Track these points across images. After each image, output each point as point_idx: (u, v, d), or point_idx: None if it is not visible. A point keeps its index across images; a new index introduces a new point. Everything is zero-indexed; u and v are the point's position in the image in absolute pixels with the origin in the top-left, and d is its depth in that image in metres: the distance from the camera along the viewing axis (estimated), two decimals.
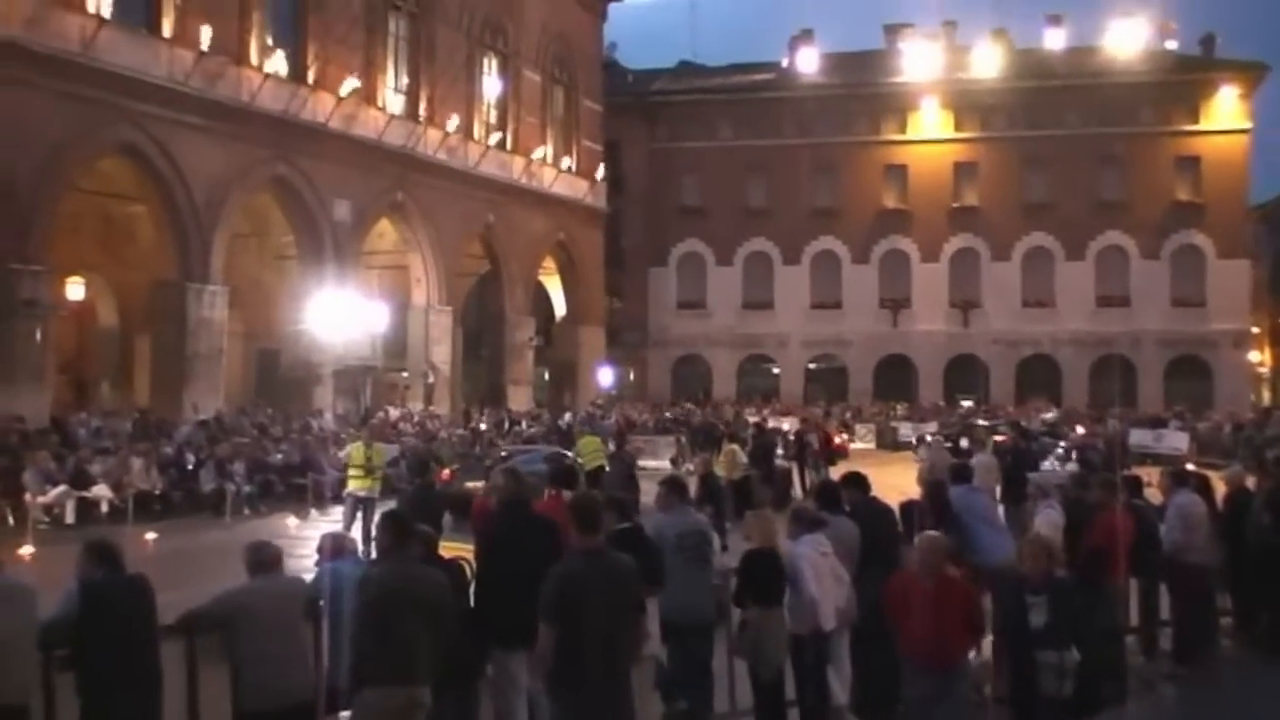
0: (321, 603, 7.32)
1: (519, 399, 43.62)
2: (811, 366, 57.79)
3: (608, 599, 6.43)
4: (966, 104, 55.94)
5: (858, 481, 10.33)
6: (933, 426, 42.95)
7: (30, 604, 6.32)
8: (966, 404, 49.89)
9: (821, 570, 8.57)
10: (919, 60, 56.67)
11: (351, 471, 18.79)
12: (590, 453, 23.91)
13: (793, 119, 56.19)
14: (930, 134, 56.26)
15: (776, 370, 58.17)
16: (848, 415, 47.84)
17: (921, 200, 55.91)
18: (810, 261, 57.08)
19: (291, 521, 22.48)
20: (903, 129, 56.81)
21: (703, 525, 9.55)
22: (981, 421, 41.13)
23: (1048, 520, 10.94)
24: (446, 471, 23.16)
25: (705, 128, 57.46)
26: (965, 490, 11.37)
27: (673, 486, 9.63)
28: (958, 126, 56.21)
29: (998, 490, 15.62)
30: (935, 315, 55.82)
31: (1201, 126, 54.28)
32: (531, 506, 8.54)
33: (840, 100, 56.29)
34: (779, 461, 26.73)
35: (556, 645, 6.33)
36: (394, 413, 35.65)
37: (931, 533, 8.47)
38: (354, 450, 19.25)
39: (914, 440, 41.55)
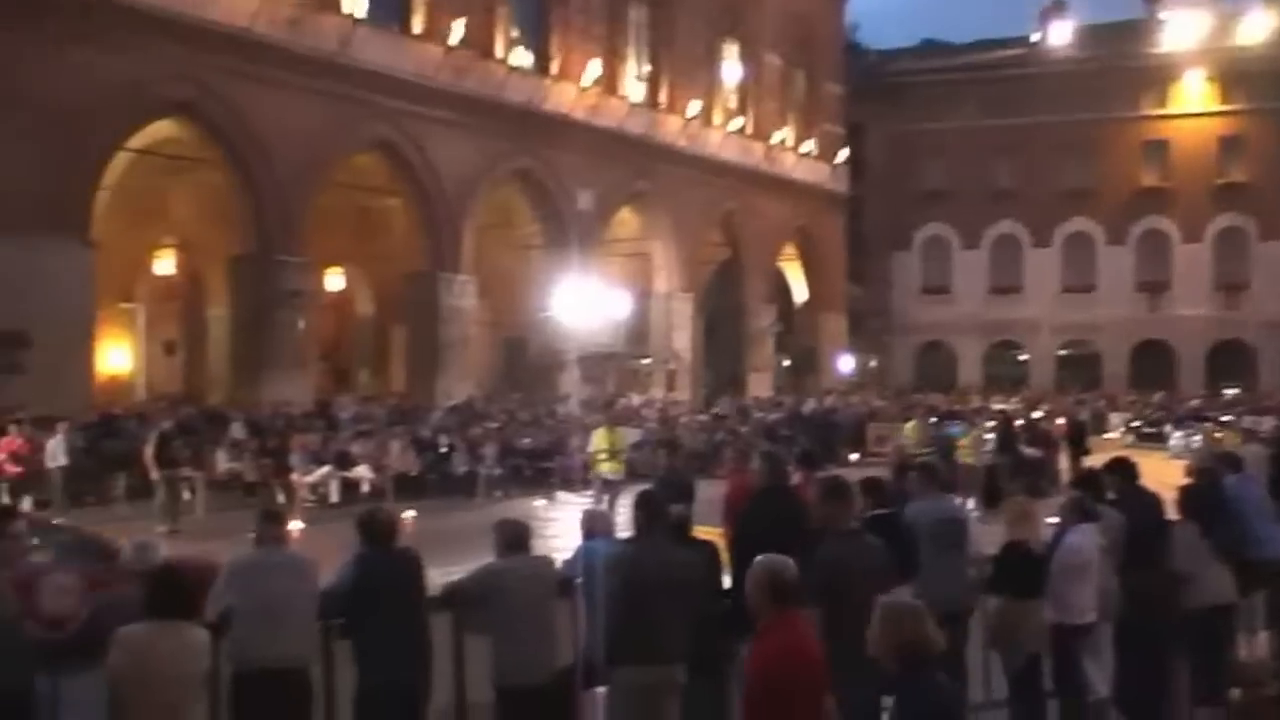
0: (579, 580, 7.40)
1: (759, 386, 43.55)
2: (1062, 353, 55.64)
3: (868, 580, 6.27)
4: (1234, 74, 52.70)
5: (1123, 469, 9.82)
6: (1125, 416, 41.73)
7: (312, 576, 6.66)
8: (1232, 393, 47.23)
9: (1090, 561, 8.21)
10: (1182, 29, 53.59)
11: (599, 455, 19.79)
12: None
13: (1044, 96, 53.63)
14: (1194, 107, 53.46)
15: (1024, 357, 56.26)
16: (1101, 404, 45.95)
17: (1183, 177, 53.19)
18: (1062, 244, 55.08)
19: (539, 504, 22.97)
20: (1163, 103, 54.14)
21: (958, 511, 9.29)
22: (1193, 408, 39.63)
23: None
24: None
25: (950, 108, 55.59)
26: (1239, 479, 10.62)
27: (925, 472, 9.41)
28: (1224, 99, 53.18)
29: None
30: (1197, 298, 52.98)
31: None
32: (790, 490, 8.44)
33: (1095, 75, 53.55)
34: (1026, 450, 25.70)
35: (821, 627, 6.12)
36: (636, 399, 36.01)
37: None
38: (598, 435, 20.46)
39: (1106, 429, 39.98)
